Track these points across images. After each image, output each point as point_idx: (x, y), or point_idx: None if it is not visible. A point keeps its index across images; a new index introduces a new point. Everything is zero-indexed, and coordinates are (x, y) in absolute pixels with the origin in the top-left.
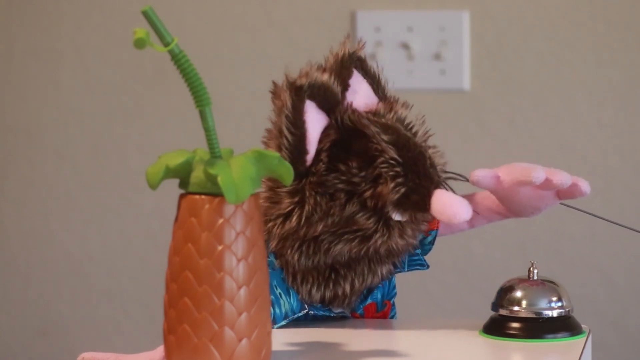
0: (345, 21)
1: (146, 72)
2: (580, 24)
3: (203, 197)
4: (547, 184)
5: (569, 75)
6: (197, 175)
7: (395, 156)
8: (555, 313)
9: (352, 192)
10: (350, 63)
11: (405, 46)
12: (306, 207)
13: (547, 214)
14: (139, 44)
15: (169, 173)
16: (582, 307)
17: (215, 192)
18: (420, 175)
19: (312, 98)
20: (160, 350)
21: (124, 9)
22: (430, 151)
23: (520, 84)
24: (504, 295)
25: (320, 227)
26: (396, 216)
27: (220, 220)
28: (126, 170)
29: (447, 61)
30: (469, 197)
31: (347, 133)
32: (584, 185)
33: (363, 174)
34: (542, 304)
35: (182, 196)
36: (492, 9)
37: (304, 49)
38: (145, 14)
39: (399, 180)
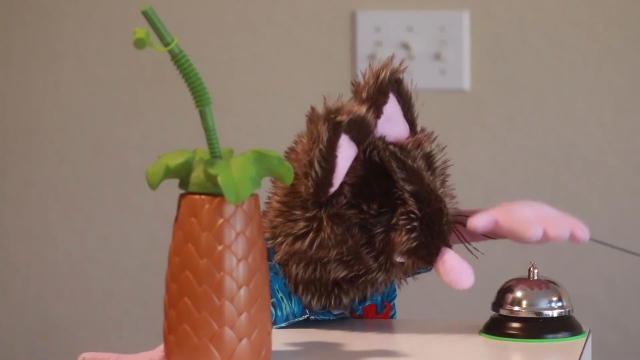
0: (345, 21)
1: (146, 72)
2: (580, 24)
3: (203, 197)
4: (544, 240)
5: (569, 75)
6: (197, 175)
7: (415, 210)
8: (555, 313)
9: (365, 228)
10: (388, 88)
11: (405, 46)
12: (322, 235)
13: None
14: (139, 44)
15: (169, 173)
16: (582, 307)
17: (215, 192)
18: (434, 232)
19: (347, 132)
20: (160, 350)
21: (124, 9)
22: (447, 200)
23: (520, 84)
24: (504, 295)
25: (331, 254)
26: (399, 259)
27: (220, 220)
28: (126, 170)
29: (447, 61)
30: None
31: (373, 168)
32: (582, 234)
33: (381, 218)
34: (542, 304)
35: (182, 196)
36: (492, 9)
37: (304, 49)
38: (145, 14)
39: (413, 234)
